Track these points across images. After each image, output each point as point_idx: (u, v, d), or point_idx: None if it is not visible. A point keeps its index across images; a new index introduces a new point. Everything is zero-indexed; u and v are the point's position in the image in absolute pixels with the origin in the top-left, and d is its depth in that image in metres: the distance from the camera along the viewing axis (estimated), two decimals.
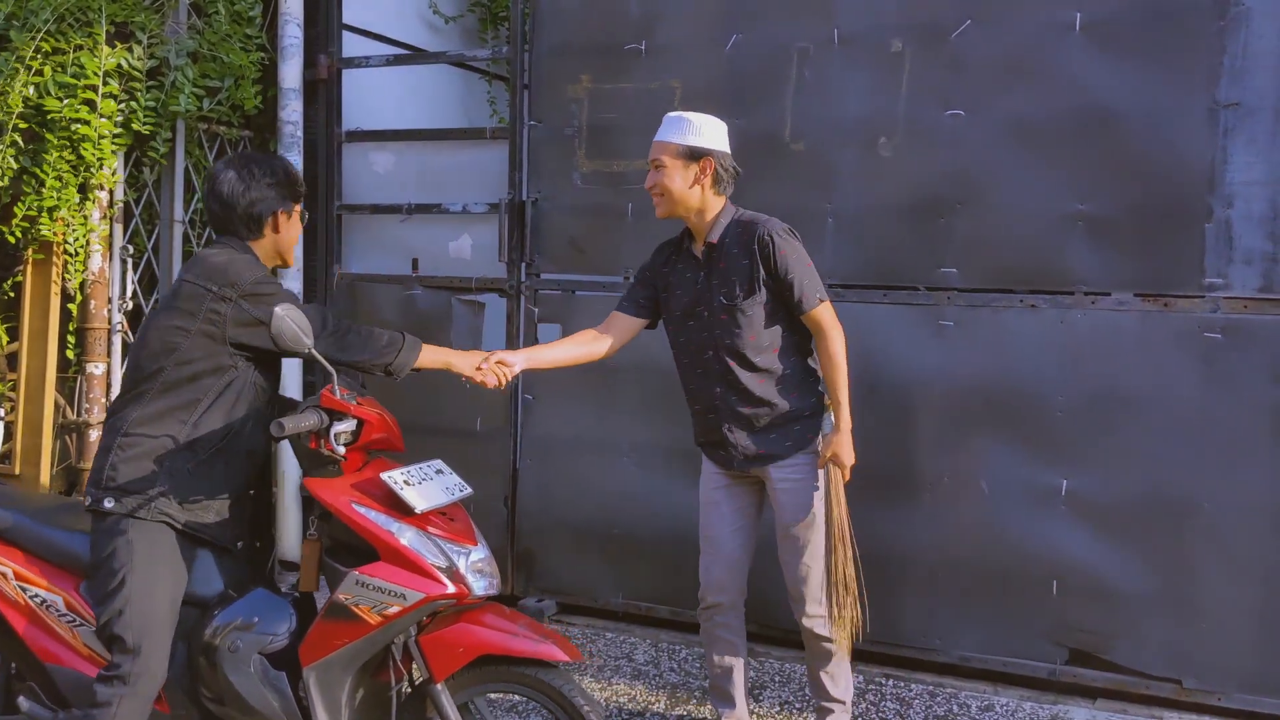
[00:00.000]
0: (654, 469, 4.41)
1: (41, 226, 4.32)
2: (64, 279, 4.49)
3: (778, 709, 3.79)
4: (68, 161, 4.36)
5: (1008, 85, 3.85)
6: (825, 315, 3.13)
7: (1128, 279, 3.74)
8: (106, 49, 4.39)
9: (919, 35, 3.95)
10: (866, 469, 4.05)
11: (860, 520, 4.06)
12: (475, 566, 2.64)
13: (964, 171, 3.91)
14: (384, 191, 5.08)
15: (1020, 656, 3.90)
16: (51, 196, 4.29)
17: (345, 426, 2.63)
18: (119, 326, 4.63)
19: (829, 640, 3.22)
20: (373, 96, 5.20)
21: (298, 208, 2.97)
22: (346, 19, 5.10)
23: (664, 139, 3.17)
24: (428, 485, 2.68)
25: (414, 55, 5.38)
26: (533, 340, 4.63)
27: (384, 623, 2.55)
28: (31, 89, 4.29)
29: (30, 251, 4.47)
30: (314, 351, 2.62)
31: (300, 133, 5.04)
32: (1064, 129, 3.78)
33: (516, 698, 3.41)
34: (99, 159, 4.37)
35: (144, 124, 4.51)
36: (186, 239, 4.95)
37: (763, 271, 3.12)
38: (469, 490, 2.80)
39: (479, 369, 3.01)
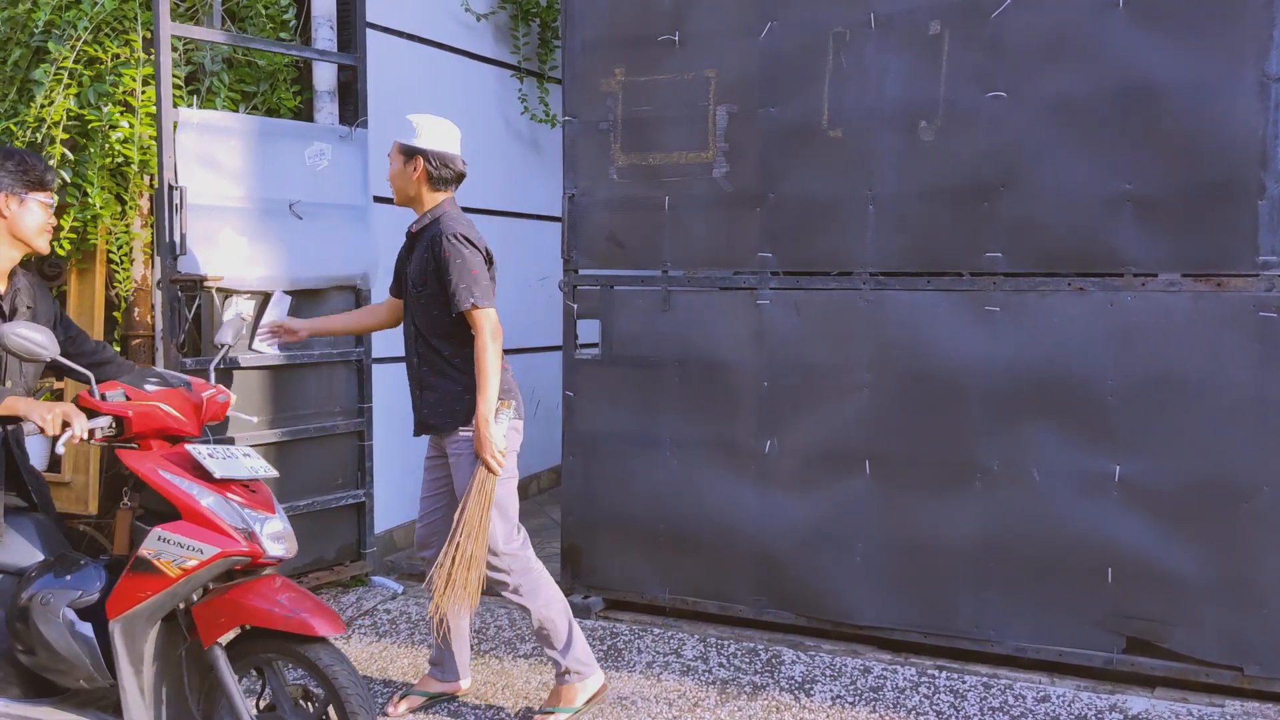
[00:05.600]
0: (697, 464, 4.38)
1: (89, 236, 4.36)
2: (108, 288, 4.53)
3: (829, 704, 3.75)
4: (109, 170, 4.40)
5: (1050, 65, 3.78)
6: (476, 318, 3.44)
7: (1178, 259, 3.67)
8: (143, 56, 4.42)
9: (958, 16, 3.89)
10: (915, 458, 4.02)
11: (910, 510, 4.03)
12: (271, 533, 2.90)
13: (1007, 154, 3.85)
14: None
15: (1076, 646, 3.85)
16: (93, 205, 4.33)
17: (99, 423, 2.88)
18: (162, 333, 4.66)
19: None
20: (403, 98, 5.19)
21: (34, 196, 3.15)
22: (378, 19, 5.09)
23: (396, 137, 3.61)
24: (231, 461, 2.96)
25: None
26: (573, 335, 4.62)
27: (183, 575, 2.80)
28: (72, 100, 4.33)
29: (74, 261, 4.51)
30: (60, 360, 2.93)
31: None
32: (1109, 107, 3.71)
33: None
34: (142, 163, 4.40)
35: None
36: None
37: (434, 266, 3.47)
38: (274, 473, 3.05)
39: (47, 418, 2.93)
